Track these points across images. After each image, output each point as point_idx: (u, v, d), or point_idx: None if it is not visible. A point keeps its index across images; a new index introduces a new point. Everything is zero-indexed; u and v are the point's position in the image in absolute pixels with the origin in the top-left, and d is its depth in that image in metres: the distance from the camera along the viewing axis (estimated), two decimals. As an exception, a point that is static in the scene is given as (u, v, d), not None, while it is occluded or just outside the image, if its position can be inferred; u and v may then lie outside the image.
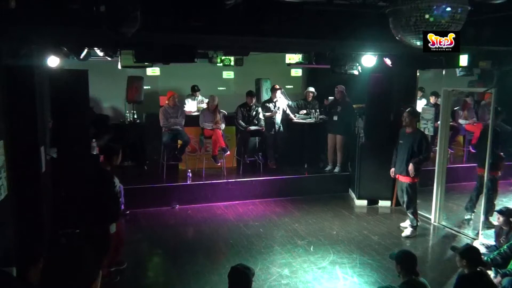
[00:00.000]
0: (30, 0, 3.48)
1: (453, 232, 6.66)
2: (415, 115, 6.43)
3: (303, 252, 5.84)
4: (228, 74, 11.11)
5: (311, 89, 9.52)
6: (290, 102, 9.30)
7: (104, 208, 4.71)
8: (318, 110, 9.21)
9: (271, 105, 8.93)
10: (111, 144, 5.20)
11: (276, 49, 7.39)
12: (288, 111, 9.19)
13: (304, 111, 9.24)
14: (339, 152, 8.65)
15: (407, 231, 6.49)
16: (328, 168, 8.85)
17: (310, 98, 9.41)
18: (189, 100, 9.70)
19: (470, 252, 3.86)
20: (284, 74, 10.94)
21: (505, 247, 4.51)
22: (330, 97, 9.27)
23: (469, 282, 3.69)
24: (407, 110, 6.43)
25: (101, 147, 5.00)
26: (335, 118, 8.58)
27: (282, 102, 9.08)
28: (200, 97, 9.85)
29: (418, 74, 8.00)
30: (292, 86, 11.20)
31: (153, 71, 9.80)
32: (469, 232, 6.52)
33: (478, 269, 3.73)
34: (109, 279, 4.94)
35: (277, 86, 9.00)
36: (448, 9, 2.89)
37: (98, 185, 4.77)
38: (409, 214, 6.48)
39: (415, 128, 6.41)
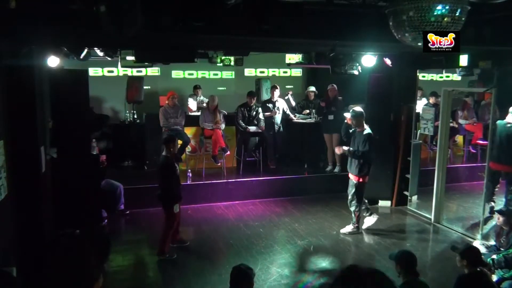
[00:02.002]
0: (30, 0, 3.48)
1: (453, 232, 6.66)
2: (360, 115, 6.25)
3: (303, 252, 5.84)
4: (177, 74, 10.97)
5: (312, 88, 9.55)
6: (294, 105, 9.34)
7: (168, 190, 5.59)
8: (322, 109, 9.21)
9: (270, 105, 8.94)
10: (168, 135, 6.07)
11: (276, 49, 7.39)
12: (288, 112, 9.20)
13: (307, 111, 9.28)
14: None
15: (348, 228, 6.50)
16: (329, 168, 8.84)
17: (312, 97, 9.45)
18: (191, 99, 9.70)
19: (470, 252, 3.84)
20: (284, 74, 11.00)
21: (511, 250, 4.49)
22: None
23: (469, 282, 3.68)
24: (350, 112, 6.37)
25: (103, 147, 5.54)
26: (331, 117, 8.57)
27: (282, 102, 9.08)
28: (202, 97, 9.84)
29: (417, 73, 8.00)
30: (292, 86, 11.22)
31: (131, 71, 9.69)
32: (469, 232, 6.51)
33: (478, 269, 3.72)
34: (168, 256, 5.63)
35: (277, 86, 9.05)
36: (448, 8, 2.89)
37: (163, 170, 5.62)
38: (351, 212, 6.49)
39: (363, 127, 6.25)
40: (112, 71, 10.14)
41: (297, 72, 11.79)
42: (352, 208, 6.44)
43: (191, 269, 5.37)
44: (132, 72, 9.34)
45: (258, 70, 11.37)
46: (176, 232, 5.92)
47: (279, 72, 11.53)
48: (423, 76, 12.25)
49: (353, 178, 6.38)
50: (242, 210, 7.54)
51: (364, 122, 6.29)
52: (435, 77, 12.37)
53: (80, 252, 1.65)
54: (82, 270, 1.61)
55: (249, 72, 11.32)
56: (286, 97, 9.72)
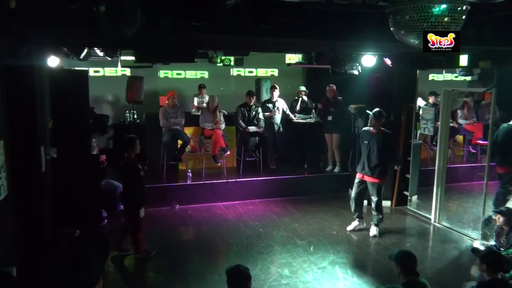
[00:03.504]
0: (30, 0, 3.48)
1: (453, 232, 6.66)
2: (380, 118, 6.15)
3: (303, 252, 5.84)
4: (165, 73, 10.74)
5: (303, 87, 9.69)
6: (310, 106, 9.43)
7: (130, 193, 5.46)
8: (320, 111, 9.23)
9: (270, 105, 8.95)
10: (126, 136, 5.79)
11: (276, 49, 7.39)
12: (288, 112, 9.20)
13: (302, 113, 9.33)
14: (336, 152, 8.66)
15: (374, 231, 6.35)
16: (329, 168, 8.85)
17: (302, 97, 9.52)
18: (196, 99, 9.63)
19: (491, 256, 3.72)
20: (284, 74, 10.98)
21: (511, 250, 4.48)
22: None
23: None
24: (372, 113, 6.23)
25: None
26: (329, 118, 8.59)
27: (281, 103, 9.09)
28: (206, 97, 9.80)
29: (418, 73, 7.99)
30: (291, 86, 11.19)
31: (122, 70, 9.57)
32: (469, 232, 6.51)
33: (499, 275, 3.57)
34: (146, 254, 5.60)
35: (276, 86, 9.07)
36: (448, 7, 2.89)
37: (123, 173, 5.54)
38: (376, 214, 6.33)
39: (380, 129, 6.17)
40: (113, 71, 10.11)
41: (297, 73, 11.76)
42: (380, 210, 6.28)
43: (191, 269, 5.37)
44: (131, 71, 9.34)
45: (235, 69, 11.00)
46: (122, 238, 5.75)
47: (278, 72, 11.50)
48: (445, 77, 12.06)
49: (376, 181, 6.19)
50: (242, 210, 7.54)
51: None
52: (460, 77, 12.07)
53: (81, 253, 1.65)
54: (83, 271, 1.60)
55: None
56: (300, 98, 9.67)
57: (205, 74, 10.93)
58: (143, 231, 5.65)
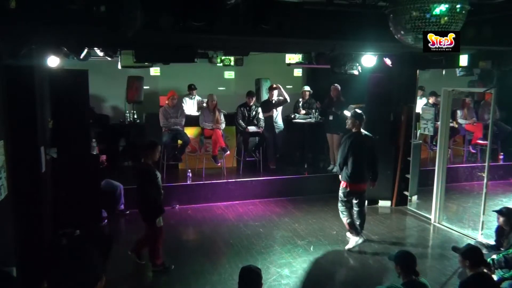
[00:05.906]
0: (30, 0, 3.48)
1: (453, 232, 6.66)
2: (359, 118, 5.76)
3: (303, 252, 5.84)
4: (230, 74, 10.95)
5: (307, 88, 9.66)
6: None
7: (151, 201, 5.15)
8: (318, 110, 9.24)
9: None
10: (150, 141, 5.43)
11: (276, 49, 7.39)
12: (285, 95, 9.03)
13: (303, 111, 9.30)
14: (336, 152, 8.65)
15: (353, 242, 5.92)
16: (330, 167, 8.85)
17: (306, 97, 9.54)
18: (187, 99, 9.61)
19: (471, 252, 3.82)
20: (284, 74, 10.98)
21: (511, 250, 4.49)
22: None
23: (472, 285, 3.64)
24: (350, 113, 5.89)
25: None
26: (331, 118, 8.60)
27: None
28: (197, 97, 9.80)
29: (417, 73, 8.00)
30: (292, 86, 11.21)
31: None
32: (469, 232, 6.51)
33: (480, 269, 3.68)
34: (163, 267, 5.32)
35: (275, 86, 9.05)
36: (448, 7, 2.89)
37: (143, 179, 5.17)
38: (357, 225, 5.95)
39: (360, 132, 5.80)
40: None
41: (298, 72, 11.78)
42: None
43: (191, 269, 5.37)
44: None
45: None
46: (141, 245, 5.53)
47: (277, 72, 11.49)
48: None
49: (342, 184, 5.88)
50: (242, 210, 7.54)
51: (357, 125, 5.76)
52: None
53: (81, 253, 1.65)
54: (84, 271, 1.61)
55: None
56: (304, 98, 9.64)
57: (158, 71, 10.71)
58: (161, 243, 5.34)
